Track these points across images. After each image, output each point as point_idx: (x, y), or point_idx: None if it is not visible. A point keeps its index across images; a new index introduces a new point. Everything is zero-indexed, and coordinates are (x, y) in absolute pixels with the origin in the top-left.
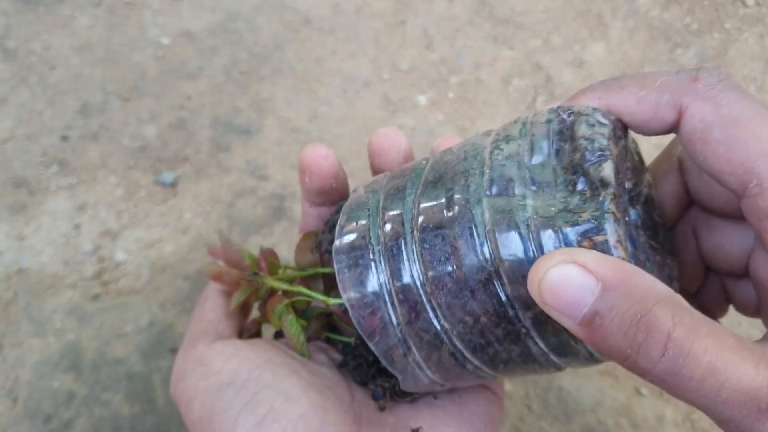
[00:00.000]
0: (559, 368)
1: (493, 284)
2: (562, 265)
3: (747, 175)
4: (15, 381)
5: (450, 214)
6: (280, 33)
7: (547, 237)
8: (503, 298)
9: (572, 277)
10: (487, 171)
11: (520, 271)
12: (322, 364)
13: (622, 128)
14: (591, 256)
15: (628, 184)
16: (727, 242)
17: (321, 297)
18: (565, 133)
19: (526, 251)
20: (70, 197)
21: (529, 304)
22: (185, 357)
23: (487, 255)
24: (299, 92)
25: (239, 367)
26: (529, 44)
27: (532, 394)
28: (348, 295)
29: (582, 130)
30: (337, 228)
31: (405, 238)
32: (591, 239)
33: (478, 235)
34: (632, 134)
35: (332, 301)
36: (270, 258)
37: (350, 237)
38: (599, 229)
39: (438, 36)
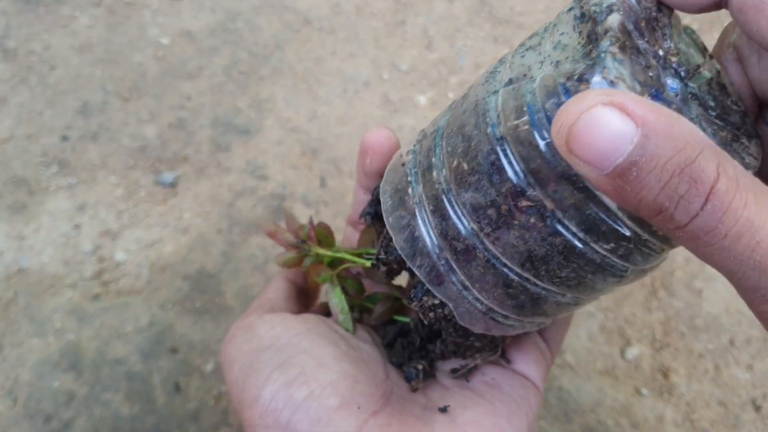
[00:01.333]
0: (611, 267)
1: (507, 164)
2: (598, 108)
3: None
4: (15, 381)
5: (468, 110)
6: (280, 33)
7: (549, 97)
8: (520, 177)
9: (608, 121)
10: (507, 66)
11: (528, 139)
12: (365, 341)
13: (656, 5)
14: (630, 98)
15: (662, 52)
16: None
17: (359, 261)
18: (585, 14)
19: (532, 121)
20: (70, 197)
21: (545, 178)
22: (237, 325)
23: (498, 134)
24: (299, 92)
25: (281, 333)
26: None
27: None
28: (388, 221)
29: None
30: (386, 170)
31: (434, 149)
32: (587, 81)
33: (489, 119)
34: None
35: (367, 263)
36: (322, 230)
37: (393, 168)
38: (596, 68)
39: (438, 36)
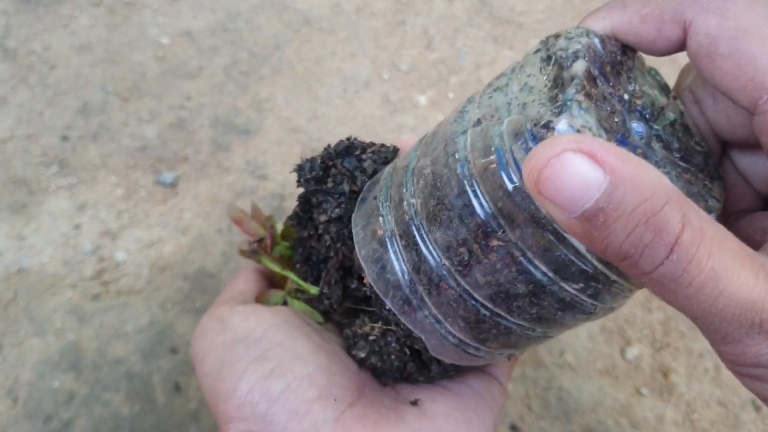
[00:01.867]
0: (580, 305)
1: (477, 204)
2: (567, 154)
3: (757, 91)
4: (15, 381)
5: (438, 148)
6: (280, 33)
7: (516, 141)
8: (489, 216)
9: (576, 167)
10: (476, 106)
11: (496, 181)
12: (336, 333)
13: (621, 48)
14: (599, 145)
15: (627, 96)
16: (755, 173)
17: (305, 285)
18: (551, 57)
19: (500, 163)
20: (70, 197)
21: (514, 219)
22: (207, 317)
23: (467, 173)
24: (299, 92)
25: (255, 325)
26: (529, 44)
27: (532, 394)
28: (361, 254)
29: (560, 44)
30: (359, 198)
31: (406, 185)
32: (553, 128)
33: (459, 158)
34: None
35: (314, 290)
36: (286, 229)
37: (365, 202)
38: (562, 116)
39: (438, 36)
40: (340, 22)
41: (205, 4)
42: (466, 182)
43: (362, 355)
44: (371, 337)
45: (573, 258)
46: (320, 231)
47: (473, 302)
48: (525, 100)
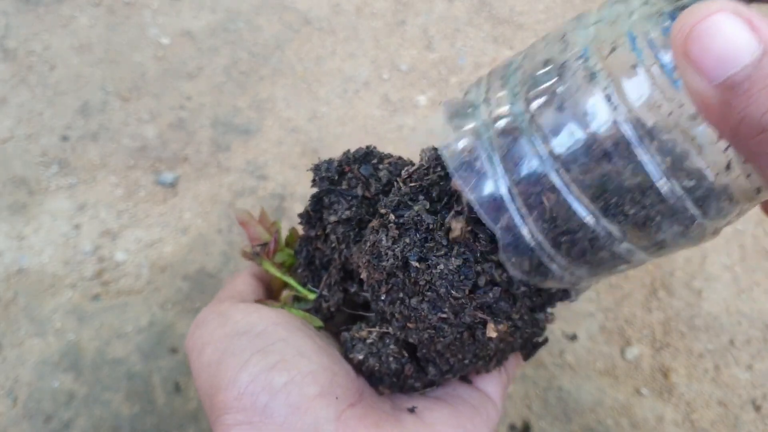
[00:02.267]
0: (682, 213)
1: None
2: (726, 14)
3: None
4: (15, 381)
5: (554, 40)
6: (280, 33)
7: (656, 23)
8: (614, 104)
9: (732, 30)
10: (595, 17)
11: (631, 63)
12: (334, 340)
13: None
14: (757, 15)
15: None
16: None
17: (304, 291)
18: None
19: (633, 46)
20: (69, 197)
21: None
22: (207, 311)
23: (591, 68)
24: (299, 92)
25: (257, 321)
26: (529, 44)
27: (532, 394)
28: (470, 197)
29: None
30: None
31: (507, 79)
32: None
33: (582, 52)
34: None
35: (312, 295)
36: (291, 236)
37: (454, 104)
38: None
39: (438, 36)
40: (340, 22)
41: (205, 4)
42: (590, 74)
43: (360, 357)
44: (369, 340)
45: (692, 150)
46: (328, 231)
47: (569, 197)
48: (648, 11)
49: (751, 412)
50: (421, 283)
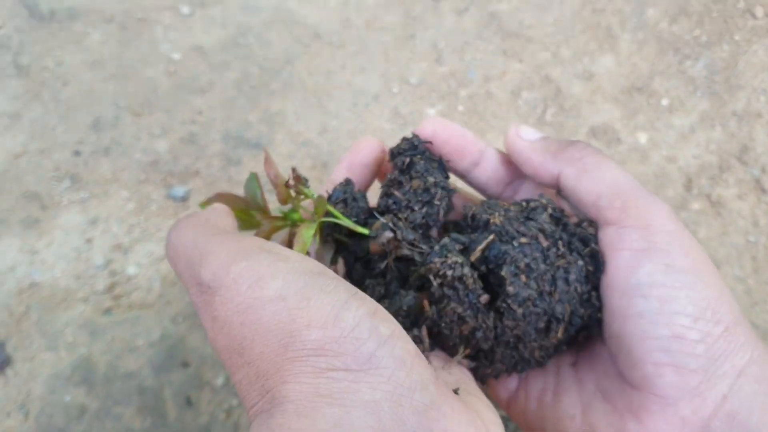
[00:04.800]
0: None
1: None
2: None
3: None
4: (27, 395)
5: None
6: (291, 47)
7: None
8: None
9: None
10: None
11: None
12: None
13: None
14: None
15: None
16: None
17: (361, 229)
18: None
19: None
20: (82, 211)
21: None
22: (230, 246)
23: None
24: (309, 106)
25: (315, 264)
26: (539, 57)
27: None
28: None
29: None
30: None
31: None
32: None
33: None
34: None
35: (367, 231)
36: (300, 181)
37: None
38: None
39: (447, 49)
40: (350, 37)
41: (216, 19)
42: None
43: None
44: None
45: None
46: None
47: None
48: None
49: None
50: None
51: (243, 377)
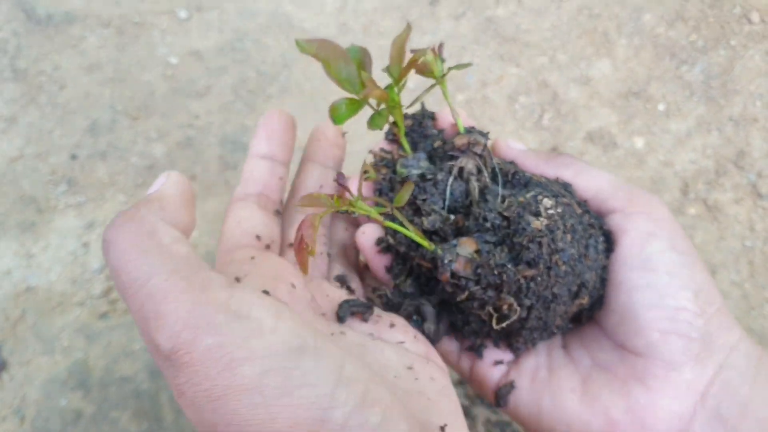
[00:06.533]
0: None
1: None
2: None
3: None
4: (23, 399)
5: None
6: (288, 52)
7: None
8: None
9: None
10: None
11: None
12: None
13: None
14: None
15: None
16: None
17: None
18: None
19: None
20: (78, 215)
21: None
22: (204, 303)
23: None
24: (306, 110)
25: (304, 331)
26: (536, 62)
27: None
28: None
29: None
30: None
31: None
32: None
33: None
34: None
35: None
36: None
37: None
38: None
39: (445, 54)
40: (348, 41)
41: (213, 24)
42: None
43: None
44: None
45: None
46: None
47: None
48: None
49: None
50: None
51: None
